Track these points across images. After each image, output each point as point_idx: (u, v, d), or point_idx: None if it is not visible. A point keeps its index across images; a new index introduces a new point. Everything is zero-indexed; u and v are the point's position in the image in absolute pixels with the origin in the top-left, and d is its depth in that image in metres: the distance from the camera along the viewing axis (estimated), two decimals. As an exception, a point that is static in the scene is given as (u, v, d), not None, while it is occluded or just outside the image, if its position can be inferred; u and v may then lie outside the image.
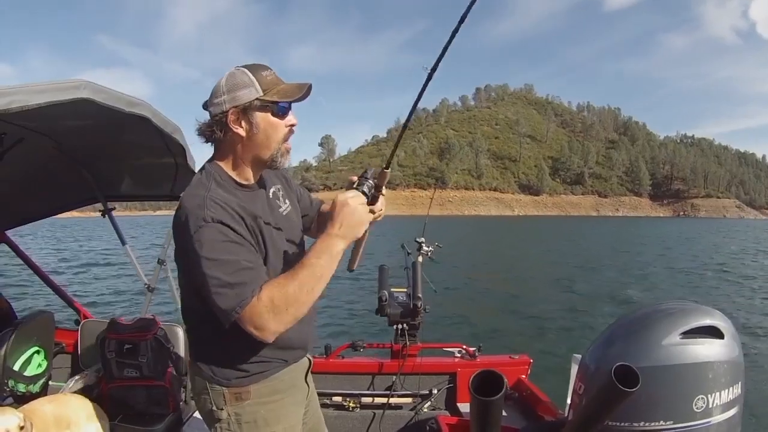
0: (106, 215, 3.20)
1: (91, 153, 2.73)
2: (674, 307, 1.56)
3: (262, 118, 1.35)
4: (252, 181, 1.44)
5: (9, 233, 3.15)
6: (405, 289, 2.76)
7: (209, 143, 1.43)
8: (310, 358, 1.63)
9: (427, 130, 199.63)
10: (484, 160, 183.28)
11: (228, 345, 1.36)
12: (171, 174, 2.87)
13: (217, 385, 1.40)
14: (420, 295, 2.64)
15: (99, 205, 3.20)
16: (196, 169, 2.76)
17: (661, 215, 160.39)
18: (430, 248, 3.02)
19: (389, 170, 1.39)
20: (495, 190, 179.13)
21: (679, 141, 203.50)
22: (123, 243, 3.30)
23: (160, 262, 3.12)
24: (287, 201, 1.57)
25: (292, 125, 1.40)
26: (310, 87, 1.37)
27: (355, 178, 1.39)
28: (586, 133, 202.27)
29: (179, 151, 2.55)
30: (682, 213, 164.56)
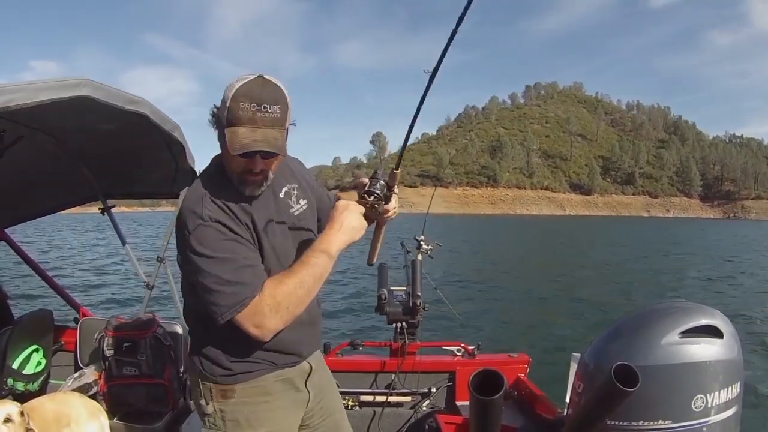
0: (106, 213, 3.20)
1: (90, 151, 2.72)
2: (674, 307, 1.56)
3: (225, 143, 1.25)
4: None
5: (8, 231, 3.14)
6: (404, 288, 2.76)
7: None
8: (311, 363, 1.56)
9: (478, 128, 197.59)
10: (535, 158, 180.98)
11: (218, 343, 1.39)
12: (171, 172, 2.86)
13: (206, 381, 1.42)
14: (419, 294, 2.65)
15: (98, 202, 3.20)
16: (196, 168, 2.79)
17: (712, 216, 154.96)
18: (430, 246, 3.01)
19: (399, 171, 1.41)
20: (546, 189, 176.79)
21: (728, 141, 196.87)
22: (122, 241, 3.29)
23: (160, 260, 3.12)
24: (302, 201, 1.53)
25: (250, 170, 1.30)
26: (262, 152, 1.26)
27: (366, 180, 1.40)
28: (636, 132, 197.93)
29: (179, 149, 2.55)
30: (732, 215, 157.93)
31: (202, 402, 1.44)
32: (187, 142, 2.53)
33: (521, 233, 46.12)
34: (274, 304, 1.26)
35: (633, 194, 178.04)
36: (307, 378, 1.55)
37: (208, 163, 1.46)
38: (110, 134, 2.45)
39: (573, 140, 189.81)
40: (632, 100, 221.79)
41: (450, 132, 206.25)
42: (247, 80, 1.25)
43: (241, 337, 1.31)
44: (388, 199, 1.40)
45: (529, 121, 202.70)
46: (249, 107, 1.22)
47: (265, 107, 1.23)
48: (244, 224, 1.33)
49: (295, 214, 1.49)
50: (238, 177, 1.33)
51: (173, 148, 2.58)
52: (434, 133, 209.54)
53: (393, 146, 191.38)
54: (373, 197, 1.37)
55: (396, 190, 1.42)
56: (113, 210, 3.25)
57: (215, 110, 1.32)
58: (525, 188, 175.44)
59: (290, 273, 1.30)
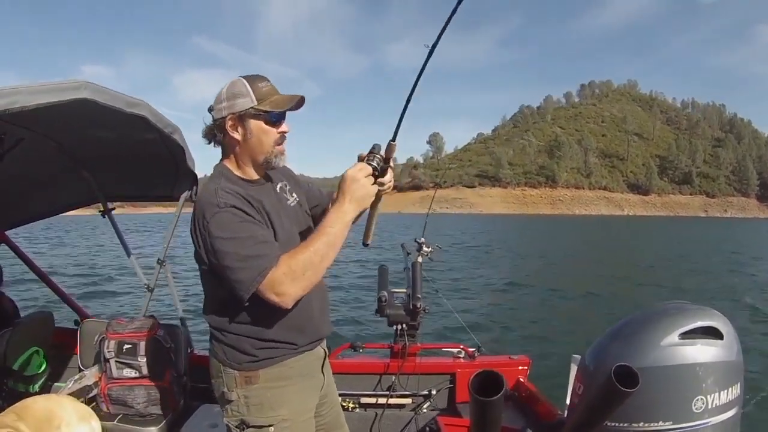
0: (106, 215, 3.20)
1: (91, 153, 2.73)
2: (674, 308, 1.56)
3: (255, 125, 1.49)
4: (256, 177, 1.58)
5: (9, 233, 3.15)
6: (405, 290, 2.76)
7: (212, 144, 1.58)
8: (326, 349, 1.72)
9: (534, 127, 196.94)
10: (593, 158, 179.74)
11: (242, 330, 1.49)
12: (171, 174, 2.86)
13: (229, 369, 1.52)
14: (420, 296, 2.64)
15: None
16: (196, 170, 2.79)
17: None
18: (430, 249, 3.01)
19: (396, 143, 1.46)
20: (605, 189, 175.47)
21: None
22: (123, 243, 3.30)
23: (160, 262, 3.11)
24: (294, 195, 1.69)
25: (284, 132, 1.54)
26: (301, 99, 1.51)
27: (364, 154, 1.47)
28: (691, 131, 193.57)
29: (178, 151, 2.55)
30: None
31: (225, 389, 1.53)
32: (187, 144, 2.53)
33: (560, 235, 43.95)
34: (291, 272, 1.35)
35: (690, 194, 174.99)
36: (323, 364, 1.70)
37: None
38: (110, 137, 2.46)
39: (630, 139, 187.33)
40: (687, 98, 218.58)
41: (506, 132, 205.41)
42: (238, 78, 1.49)
43: (263, 322, 1.47)
44: (384, 172, 1.47)
45: (585, 120, 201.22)
46: (266, 84, 1.49)
47: (270, 82, 1.52)
48: (256, 208, 1.45)
49: (291, 205, 1.65)
50: (271, 151, 1.52)
51: (173, 151, 2.58)
52: (490, 132, 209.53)
53: (449, 147, 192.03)
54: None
55: (392, 163, 1.49)
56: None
57: (218, 121, 1.50)
58: (583, 188, 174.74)
59: (305, 243, 1.40)
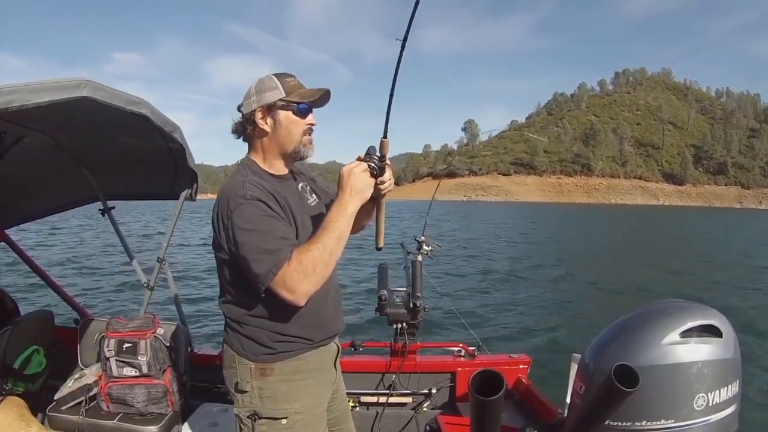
0: (106, 214, 3.20)
1: (91, 151, 2.73)
2: (673, 306, 1.56)
3: (284, 116, 1.54)
4: (283, 172, 1.63)
5: (9, 232, 3.14)
6: (405, 289, 2.76)
7: (241, 139, 1.63)
8: (339, 344, 1.74)
9: (569, 115, 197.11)
10: (628, 147, 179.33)
11: (259, 323, 1.51)
12: (171, 172, 2.86)
13: (245, 359, 1.54)
14: (419, 294, 2.64)
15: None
16: (195, 169, 2.79)
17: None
18: (430, 247, 3.01)
19: (387, 139, 1.49)
20: (640, 178, 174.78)
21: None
22: (122, 242, 3.30)
23: (160, 260, 3.11)
24: (314, 195, 1.73)
25: (311, 125, 1.59)
26: (327, 92, 1.58)
27: (362, 156, 1.52)
28: (726, 121, 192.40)
29: (178, 149, 2.55)
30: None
31: (238, 380, 1.55)
32: (187, 143, 2.53)
33: (595, 228, 40.56)
34: (302, 269, 1.37)
35: (725, 185, 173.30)
36: (336, 359, 1.72)
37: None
38: (110, 135, 2.45)
39: (664, 128, 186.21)
40: (721, 87, 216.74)
41: (540, 120, 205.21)
42: (266, 76, 1.56)
43: (281, 316, 1.49)
44: (383, 171, 1.51)
45: (620, 108, 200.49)
46: (293, 79, 1.56)
47: (296, 78, 1.59)
48: (281, 205, 1.49)
49: (311, 206, 1.67)
50: (300, 141, 1.57)
51: (173, 149, 2.58)
52: (524, 120, 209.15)
53: (483, 134, 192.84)
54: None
55: (387, 160, 1.52)
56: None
57: (247, 115, 1.56)
58: (619, 177, 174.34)
59: (313, 239, 1.42)
